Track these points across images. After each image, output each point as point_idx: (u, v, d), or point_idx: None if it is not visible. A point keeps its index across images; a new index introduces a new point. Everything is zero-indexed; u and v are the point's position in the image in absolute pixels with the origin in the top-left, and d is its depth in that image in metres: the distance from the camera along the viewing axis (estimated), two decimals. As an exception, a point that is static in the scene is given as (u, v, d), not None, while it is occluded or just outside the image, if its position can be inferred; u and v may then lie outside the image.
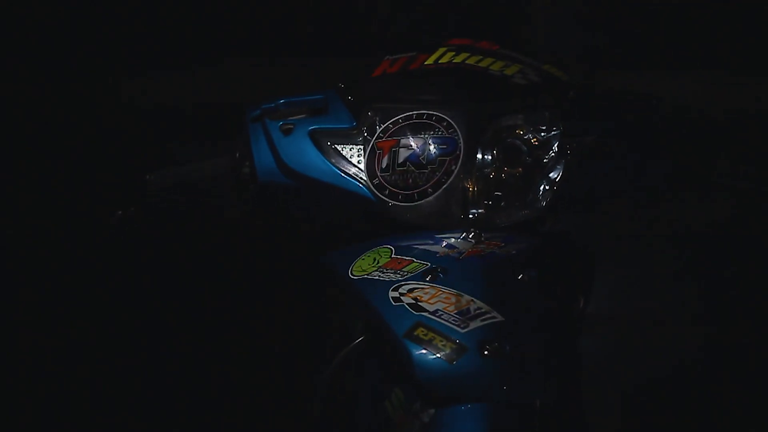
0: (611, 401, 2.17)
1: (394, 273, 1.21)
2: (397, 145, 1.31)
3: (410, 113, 1.32)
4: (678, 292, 2.65)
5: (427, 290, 1.17)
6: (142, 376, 2.55)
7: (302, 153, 1.37)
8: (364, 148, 1.34)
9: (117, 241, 2.50)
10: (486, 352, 1.10)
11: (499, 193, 1.33)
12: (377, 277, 1.21)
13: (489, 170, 1.32)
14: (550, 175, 1.33)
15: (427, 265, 1.21)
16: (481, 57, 1.38)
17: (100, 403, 2.47)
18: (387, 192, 1.31)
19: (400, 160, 1.31)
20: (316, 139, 1.37)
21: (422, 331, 1.12)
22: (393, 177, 1.31)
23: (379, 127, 1.33)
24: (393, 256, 1.25)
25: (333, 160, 1.35)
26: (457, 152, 1.30)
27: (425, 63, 1.38)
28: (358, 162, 1.34)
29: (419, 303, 1.15)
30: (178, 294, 2.72)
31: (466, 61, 1.37)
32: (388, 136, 1.32)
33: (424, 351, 1.10)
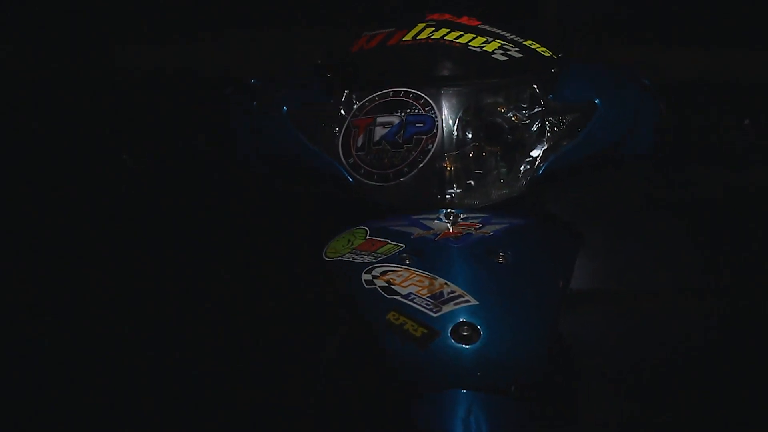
0: (599, 381, 2.15)
1: (368, 255, 1.19)
2: (373, 123, 1.28)
3: (386, 90, 1.29)
4: (670, 267, 2.62)
5: (400, 273, 1.14)
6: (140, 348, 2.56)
7: (279, 131, 1.34)
8: (340, 127, 1.31)
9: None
10: (459, 337, 1.07)
11: (479, 172, 1.30)
12: (350, 259, 1.19)
13: (468, 149, 1.29)
14: (532, 153, 1.30)
15: (401, 246, 1.19)
16: (461, 33, 1.34)
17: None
18: (362, 172, 1.28)
19: (376, 138, 1.28)
20: (294, 116, 1.34)
21: (394, 316, 1.09)
22: (368, 156, 1.28)
23: (356, 104, 1.30)
24: (368, 237, 1.23)
25: (309, 139, 1.32)
26: (434, 131, 1.27)
27: (403, 39, 1.34)
28: (334, 141, 1.31)
29: (392, 286, 1.13)
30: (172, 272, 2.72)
31: (445, 37, 1.33)
32: (363, 114, 1.29)
33: (395, 336, 1.08)
